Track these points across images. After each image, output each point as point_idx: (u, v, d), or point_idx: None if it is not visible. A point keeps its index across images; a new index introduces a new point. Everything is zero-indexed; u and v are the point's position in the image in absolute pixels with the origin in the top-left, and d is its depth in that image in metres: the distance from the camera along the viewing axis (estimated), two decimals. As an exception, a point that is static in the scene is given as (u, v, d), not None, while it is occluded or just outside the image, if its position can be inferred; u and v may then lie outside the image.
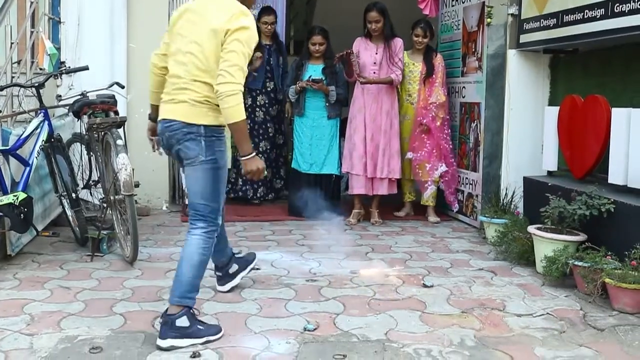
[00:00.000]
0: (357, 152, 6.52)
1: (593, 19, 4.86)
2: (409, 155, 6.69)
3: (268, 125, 7.24)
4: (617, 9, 4.60)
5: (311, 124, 6.74)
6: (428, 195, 6.77)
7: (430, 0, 7.18)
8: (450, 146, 6.73)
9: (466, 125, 6.70)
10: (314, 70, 6.72)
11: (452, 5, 7.03)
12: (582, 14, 4.99)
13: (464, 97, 6.75)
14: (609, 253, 4.31)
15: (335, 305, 4.03)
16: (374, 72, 6.52)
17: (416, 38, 6.69)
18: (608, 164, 4.77)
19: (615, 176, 4.70)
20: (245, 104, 6.89)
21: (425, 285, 4.47)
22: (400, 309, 3.99)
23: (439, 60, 6.73)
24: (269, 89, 7.21)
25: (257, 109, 7.20)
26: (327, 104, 6.71)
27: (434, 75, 6.66)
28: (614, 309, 4.03)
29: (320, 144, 6.73)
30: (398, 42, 6.55)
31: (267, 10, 7.16)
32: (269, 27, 7.07)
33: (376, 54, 6.53)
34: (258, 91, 7.18)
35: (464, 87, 6.75)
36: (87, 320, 3.72)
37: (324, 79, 6.64)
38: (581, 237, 4.64)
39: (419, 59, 6.75)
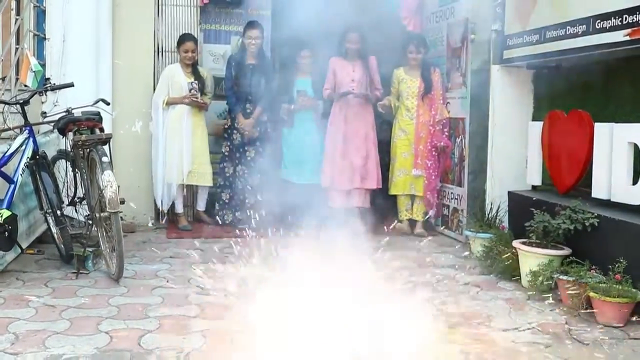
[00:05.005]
0: (336, 166, 6.69)
1: (575, 35, 4.92)
2: (415, 172, 6.73)
3: (246, 148, 6.96)
4: (598, 26, 4.66)
5: (301, 135, 6.85)
6: (419, 210, 6.85)
7: (413, 17, 7.27)
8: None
9: (451, 141, 6.74)
10: (302, 85, 6.83)
11: (436, 22, 7.09)
12: (564, 30, 5.05)
13: (448, 113, 6.79)
14: (594, 267, 4.35)
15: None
16: (352, 89, 6.75)
17: (410, 55, 6.78)
18: (591, 178, 4.82)
19: (598, 190, 4.75)
20: (224, 125, 6.99)
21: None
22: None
23: (437, 76, 6.78)
24: (248, 111, 6.93)
25: (235, 132, 6.96)
26: (315, 116, 6.92)
27: (433, 92, 6.72)
28: (599, 322, 4.06)
29: (310, 155, 6.81)
30: (374, 61, 6.85)
31: (251, 24, 6.95)
32: (254, 42, 6.85)
33: (353, 71, 6.78)
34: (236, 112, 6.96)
35: (448, 102, 6.79)
36: (72, 338, 3.69)
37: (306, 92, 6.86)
38: (566, 251, 4.67)
39: (416, 74, 6.80)
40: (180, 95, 6.70)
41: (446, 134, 6.73)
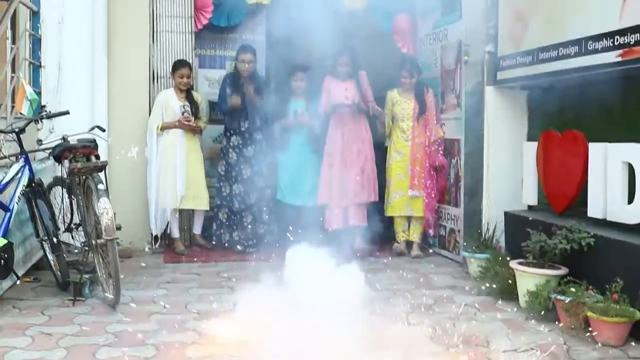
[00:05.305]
0: (333, 182, 6.74)
1: (567, 56, 4.96)
2: (411, 193, 6.74)
3: (242, 167, 6.94)
4: (590, 47, 4.70)
5: (296, 156, 6.91)
6: (416, 231, 6.86)
7: (407, 39, 7.34)
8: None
9: (448, 164, 6.75)
10: (296, 106, 6.95)
11: (430, 44, 7.14)
12: (556, 51, 5.09)
13: (443, 133, 6.81)
14: (591, 286, 4.35)
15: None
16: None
17: (403, 79, 6.84)
18: (587, 198, 4.83)
19: (594, 210, 4.76)
20: (221, 142, 7.02)
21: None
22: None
23: (430, 96, 6.83)
24: (242, 129, 6.94)
25: (231, 150, 6.96)
26: (311, 138, 6.99)
27: (427, 112, 6.77)
28: (597, 342, 4.05)
29: (305, 176, 6.83)
30: (364, 76, 6.99)
31: (244, 48, 7.01)
32: (247, 65, 6.88)
33: (346, 89, 6.90)
34: (232, 131, 6.96)
35: (443, 123, 6.81)
36: (69, 367, 3.68)
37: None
38: (562, 270, 4.67)
39: (410, 96, 6.85)
40: (174, 120, 6.72)
41: (441, 153, 6.76)
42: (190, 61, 7.04)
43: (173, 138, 6.74)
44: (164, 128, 6.72)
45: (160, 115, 6.74)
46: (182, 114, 6.73)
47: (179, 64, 6.84)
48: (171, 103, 6.76)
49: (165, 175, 6.73)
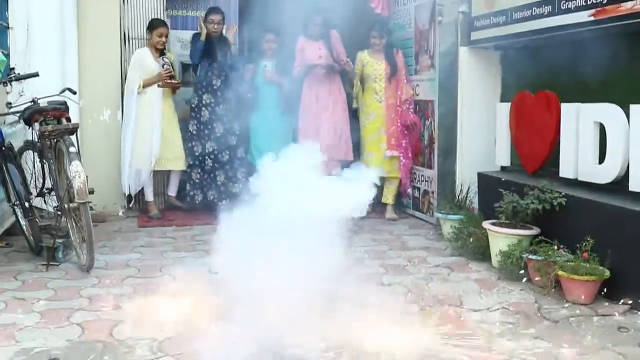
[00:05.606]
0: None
1: (541, 15, 4.95)
2: (389, 153, 6.74)
3: (214, 125, 6.94)
4: (563, 6, 4.69)
5: (267, 118, 6.94)
6: (390, 193, 6.88)
7: (381, 0, 7.28)
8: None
9: (420, 123, 6.76)
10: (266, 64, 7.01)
11: (404, 4, 7.09)
12: (530, 11, 5.08)
13: (417, 95, 6.81)
14: (562, 246, 4.41)
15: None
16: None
17: (373, 40, 6.84)
18: (559, 158, 4.87)
19: (565, 170, 4.81)
20: (192, 102, 6.96)
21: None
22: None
23: (400, 57, 6.86)
24: (215, 87, 6.94)
25: (203, 108, 6.94)
26: (280, 99, 6.98)
27: (398, 73, 6.78)
28: (567, 300, 4.12)
29: (276, 138, 6.80)
30: (336, 35, 7.00)
31: (213, 9, 7.03)
32: (216, 26, 6.88)
33: (320, 49, 6.93)
34: (204, 89, 6.94)
35: (417, 85, 6.81)
36: (43, 331, 3.66)
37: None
38: (534, 231, 4.73)
39: (380, 57, 6.85)
40: (153, 77, 6.65)
41: (412, 112, 6.79)
42: (163, 21, 6.96)
43: (150, 98, 6.66)
44: (145, 86, 6.63)
45: (138, 75, 6.65)
46: (163, 66, 6.68)
47: (157, 23, 6.78)
48: (147, 62, 6.69)
49: (142, 136, 6.66)
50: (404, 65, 6.86)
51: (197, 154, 6.94)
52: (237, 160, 7.03)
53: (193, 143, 6.96)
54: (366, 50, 6.88)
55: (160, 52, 6.77)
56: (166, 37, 6.77)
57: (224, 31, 7.08)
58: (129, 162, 6.69)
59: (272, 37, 6.95)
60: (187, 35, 7.39)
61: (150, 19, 6.97)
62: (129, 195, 6.92)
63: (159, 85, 6.67)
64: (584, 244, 4.16)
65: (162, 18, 7.06)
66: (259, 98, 7.01)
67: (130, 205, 7.04)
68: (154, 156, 6.69)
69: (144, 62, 6.68)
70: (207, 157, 6.92)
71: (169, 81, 6.69)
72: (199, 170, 6.97)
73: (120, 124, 6.84)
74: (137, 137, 6.67)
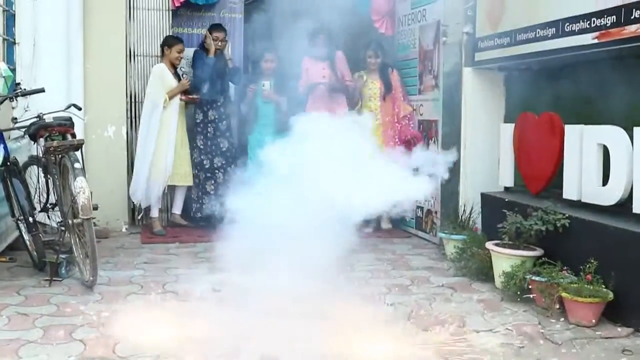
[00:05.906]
0: None
1: (545, 37, 4.98)
2: None
3: (219, 140, 7.05)
4: (567, 29, 4.72)
5: (264, 137, 6.90)
6: None
7: (385, 20, 7.34)
8: None
9: (422, 136, 6.78)
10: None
11: (409, 25, 7.13)
12: (534, 32, 5.11)
13: (421, 115, 6.83)
14: (565, 267, 4.40)
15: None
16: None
17: (369, 59, 6.97)
18: (563, 180, 4.88)
19: (569, 192, 4.81)
20: (197, 119, 7.01)
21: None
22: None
23: (395, 76, 6.95)
24: (218, 104, 7.05)
25: (209, 125, 7.04)
26: (278, 118, 6.90)
27: (393, 91, 6.85)
28: (570, 322, 4.11)
29: None
30: (341, 56, 7.09)
31: (217, 26, 7.13)
32: (220, 43, 7.00)
33: (324, 69, 7.00)
34: (209, 106, 7.03)
35: (421, 105, 6.83)
36: (46, 347, 3.65)
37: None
38: (538, 252, 4.72)
39: (375, 76, 6.97)
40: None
41: (412, 126, 6.86)
42: (166, 40, 7.02)
43: (170, 113, 6.73)
44: (171, 97, 6.71)
45: (162, 89, 6.70)
46: (182, 75, 6.86)
47: (176, 40, 6.89)
48: (167, 77, 6.76)
49: (161, 150, 6.70)
50: (401, 84, 6.96)
51: (207, 167, 7.03)
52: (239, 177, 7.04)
53: (202, 157, 7.04)
54: (364, 71, 7.04)
55: (175, 68, 6.86)
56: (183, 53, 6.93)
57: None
58: (146, 176, 6.70)
59: (271, 57, 7.00)
60: (192, 52, 7.44)
61: (155, 35, 7.08)
62: (139, 208, 6.95)
63: (181, 99, 6.77)
64: (587, 265, 4.16)
65: (168, 35, 7.12)
66: (258, 116, 7.04)
67: (139, 217, 7.07)
68: (168, 171, 6.72)
69: (164, 77, 6.74)
70: (216, 172, 7.03)
71: (191, 96, 6.84)
72: (209, 184, 7.03)
73: (126, 140, 6.88)
74: (156, 151, 6.70)
